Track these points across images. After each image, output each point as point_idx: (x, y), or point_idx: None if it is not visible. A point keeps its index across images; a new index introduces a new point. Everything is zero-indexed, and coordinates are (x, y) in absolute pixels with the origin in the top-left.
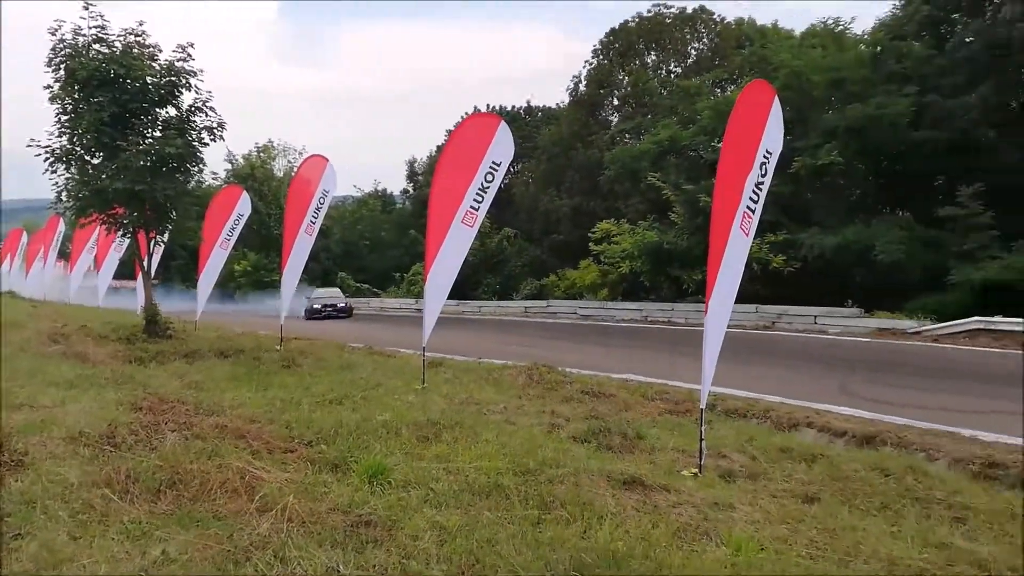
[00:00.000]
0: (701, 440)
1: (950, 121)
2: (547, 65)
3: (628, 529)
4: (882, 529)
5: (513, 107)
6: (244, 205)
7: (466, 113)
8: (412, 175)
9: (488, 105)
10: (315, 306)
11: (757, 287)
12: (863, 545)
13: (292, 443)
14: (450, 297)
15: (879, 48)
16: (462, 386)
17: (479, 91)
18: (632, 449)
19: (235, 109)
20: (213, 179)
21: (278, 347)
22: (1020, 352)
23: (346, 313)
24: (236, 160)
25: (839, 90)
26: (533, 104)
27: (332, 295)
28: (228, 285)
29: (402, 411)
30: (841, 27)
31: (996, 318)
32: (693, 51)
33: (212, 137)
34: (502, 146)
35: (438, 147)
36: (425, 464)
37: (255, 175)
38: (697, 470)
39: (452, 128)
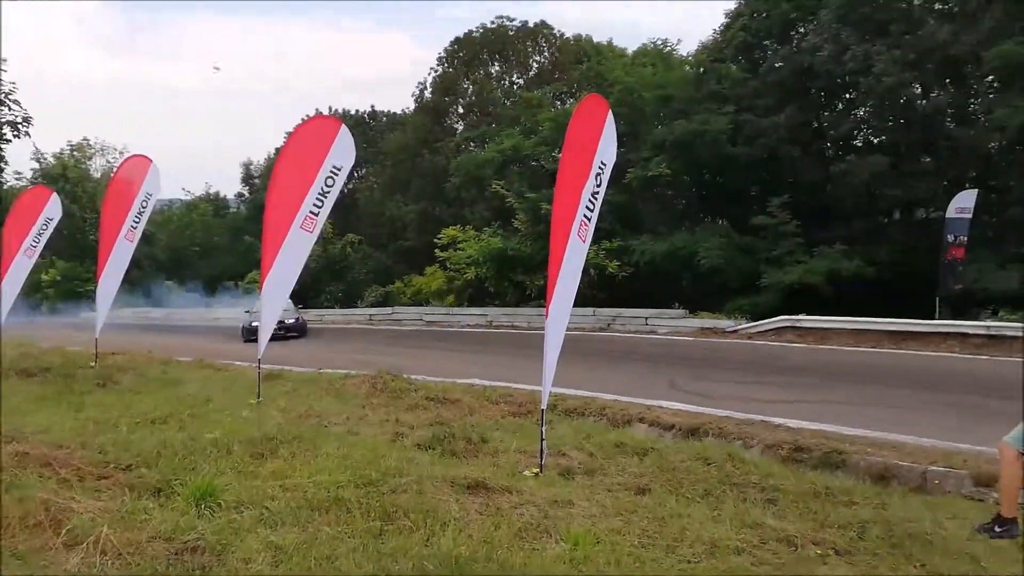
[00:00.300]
0: (542, 440)
1: (762, 138)
2: (392, 70)
3: (471, 533)
4: (705, 514)
5: (357, 111)
6: (53, 208)
7: (307, 115)
8: (248, 178)
9: (330, 108)
10: (254, 324)
11: (594, 291)
12: (688, 530)
13: (107, 468)
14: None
15: (702, 69)
16: (301, 398)
17: (321, 93)
18: (476, 453)
19: (48, 103)
20: (17, 179)
21: (93, 363)
22: (822, 346)
23: (298, 331)
24: (46, 159)
25: (667, 106)
26: (378, 109)
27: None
28: (34, 296)
29: (234, 427)
30: (669, 48)
31: (800, 316)
32: (535, 64)
33: (16, 133)
34: (343, 150)
35: (276, 149)
36: (259, 482)
37: (67, 175)
38: (538, 470)
39: (291, 130)
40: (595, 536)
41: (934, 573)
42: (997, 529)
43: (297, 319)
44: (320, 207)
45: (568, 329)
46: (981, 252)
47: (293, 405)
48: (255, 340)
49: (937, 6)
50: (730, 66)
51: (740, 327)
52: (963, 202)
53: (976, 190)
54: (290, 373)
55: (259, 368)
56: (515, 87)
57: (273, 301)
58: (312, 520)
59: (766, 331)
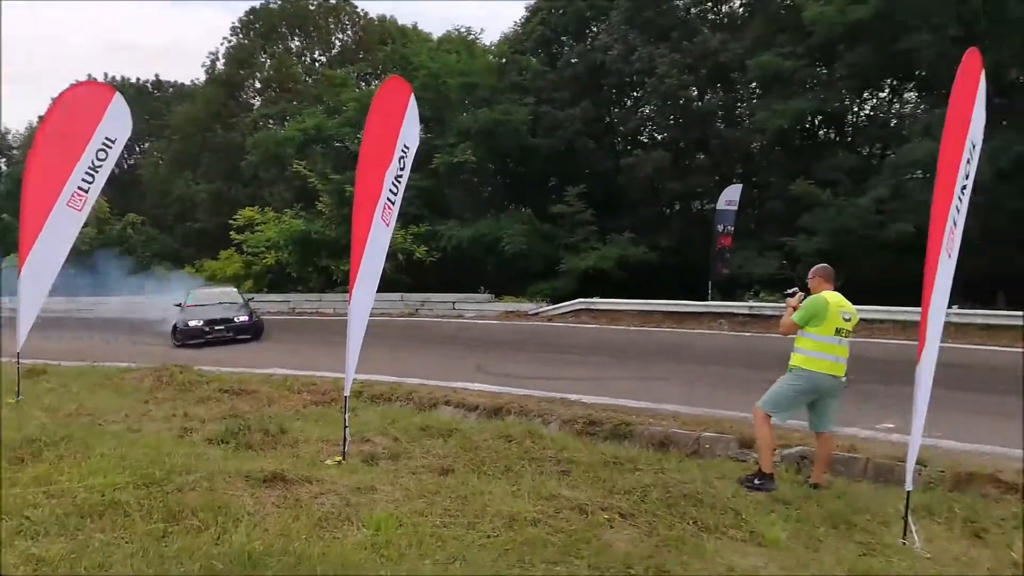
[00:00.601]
0: (345, 427)
1: (560, 130)
2: (179, 37)
3: (267, 527)
4: (505, 489)
5: (139, 79)
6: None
7: (76, 81)
8: (4, 149)
9: (106, 75)
10: (192, 323)
11: (403, 276)
12: (489, 506)
13: None
14: (58, 293)
15: (503, 60)
16: (71, 395)
17: (94, 58)
18: (275, 445)
19: None
20: None
21: None
22: (613, 327)
23: (252, 333)
24: None
25: (471, 94)
26: (163, 78)
27: (223, 300)
28: None
29: None
30: (473, 36)
31: (595, 299)
32: (338, 42)
33: None
34: (117, 121)
35: (39, 118)
36: (19, 490)
37: None
38: (341, 457)
39: (56, 97)
40: (398, 519)
41: (703, 527)
42: (756, 482)
43: (250, 317)
44: (90, 183)
45: (376, 314)
46: (745, 241)
47: (61, 403)
48: (192, 344)
49: (710, 16)
50: (530, 58)
51: (541, 310)
52: (730, 195)
53: (741, 185)
54: (58, 368)
55: (18, 363)
56: (317, 64)
57: (34, 288)
58: (83, 527)
59: (565, 313)
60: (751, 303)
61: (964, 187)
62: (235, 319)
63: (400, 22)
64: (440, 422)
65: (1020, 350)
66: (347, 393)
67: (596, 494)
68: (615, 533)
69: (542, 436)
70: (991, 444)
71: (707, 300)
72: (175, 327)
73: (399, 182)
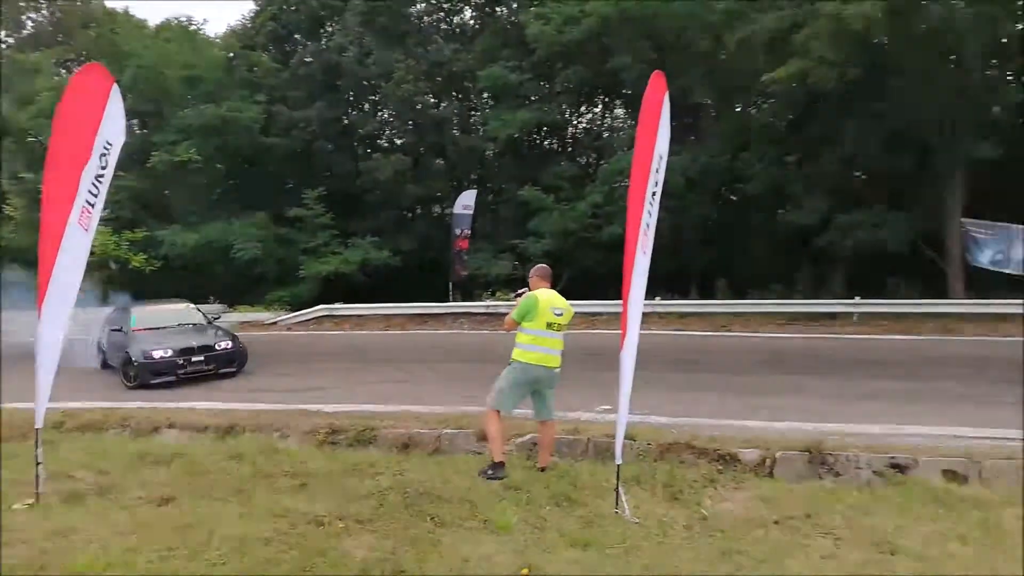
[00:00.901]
0: (37, 464)
1: (296, 131)
2: None
3: None
4: (234, 512)
5: None
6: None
7: None
8: None
9: None
10: (158, 353)
11: (117, 288)
12: (216, 532)
13: None
14: None
15: (232, 54)
16: None
17: None
18: None
19: None
20: None
21: None
22: (357, 332)
23: (237, 363)
24: None
25: (196, 88)
26: None
27: (182, 320)
28: None
29: None
30: (195, 27)
31: (336, 305)
32: (31, 22)
33: None
34: None
35: None
36: None
37: None
38: (33, 500)
39: None
40: (105, 561)
41: (440, 523)
42: (490, 472)
43: (233, 342)
44: None
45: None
46: (482, 243)
47: None
48: (156, 383)
49: (443, 26)
50: (261, 55)
51: (280, 319)
52: (466, 200)
53: (476, 190)
54: None
55: None
56: (3, 46)
57: None
58: None
59: (306, 321)
60: (488, 302)
61: (654, 193)
62: (215, 346)
63: (108, 4)
64: (161, 448)
65: (710, 333)
66: (39, 425)
67: (334, 504)
68: (353, 541)
69: (278, 451)
70: (691, 416)
71: (448, 301)
72: (129, 360)
73: (100, 182)
